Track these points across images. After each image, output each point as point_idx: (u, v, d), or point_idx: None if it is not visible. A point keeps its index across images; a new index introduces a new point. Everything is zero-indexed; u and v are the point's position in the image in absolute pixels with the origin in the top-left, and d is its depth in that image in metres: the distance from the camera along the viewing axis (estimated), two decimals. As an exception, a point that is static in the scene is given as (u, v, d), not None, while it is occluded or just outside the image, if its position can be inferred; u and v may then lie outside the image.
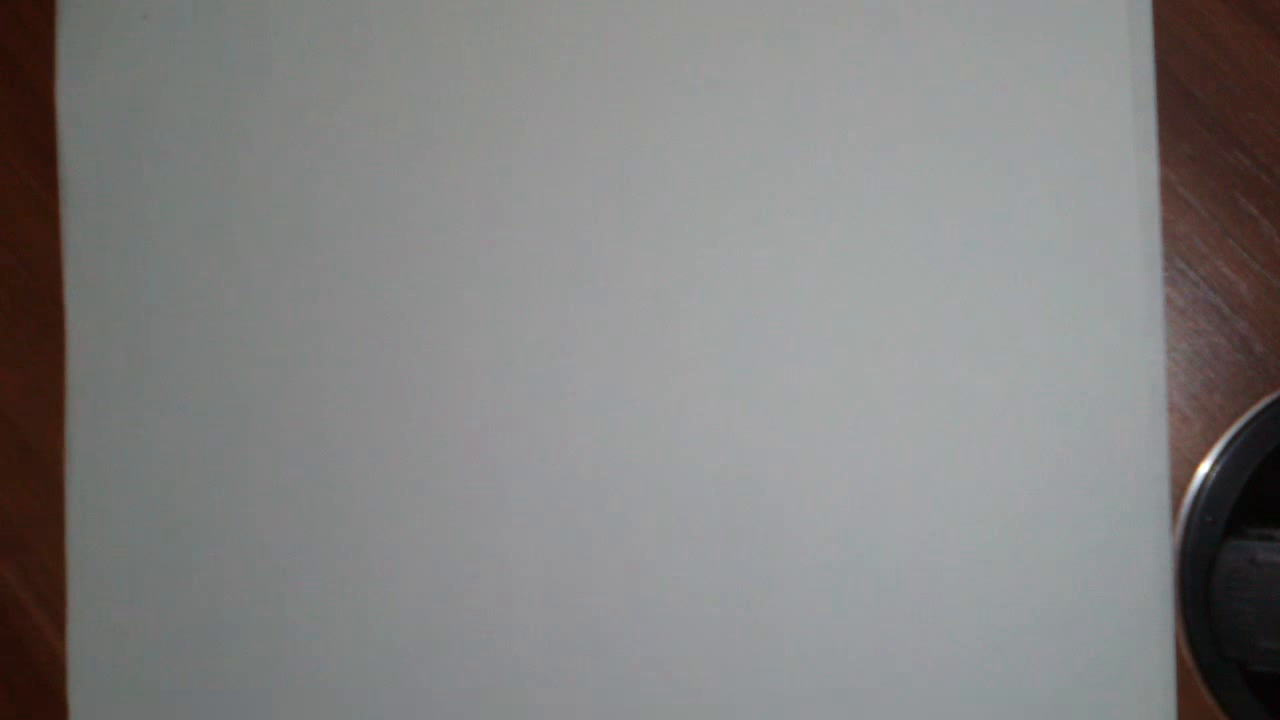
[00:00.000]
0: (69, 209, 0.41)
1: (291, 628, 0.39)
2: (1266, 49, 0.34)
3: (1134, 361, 0.33)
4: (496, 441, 0.37)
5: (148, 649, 0.40)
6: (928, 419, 0.35)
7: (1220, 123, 0.34)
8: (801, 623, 0.35)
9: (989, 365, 0.34)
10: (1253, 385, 0.34)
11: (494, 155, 0.38)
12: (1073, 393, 0.34)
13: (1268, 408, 0.33)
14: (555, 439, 0.37)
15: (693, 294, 0.36)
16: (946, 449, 0.35)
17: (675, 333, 0.36)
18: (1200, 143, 0.34)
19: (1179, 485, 0.34)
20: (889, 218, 0.35)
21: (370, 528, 0.38)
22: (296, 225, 0.39)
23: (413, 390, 0.38)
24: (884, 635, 0.35)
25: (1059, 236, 0.34)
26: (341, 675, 0.38)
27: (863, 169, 0.35)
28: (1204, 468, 0.33)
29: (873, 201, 0.35)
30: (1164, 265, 0.33)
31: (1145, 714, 0.33)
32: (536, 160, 0.37)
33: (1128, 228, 0.33)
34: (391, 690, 0.38)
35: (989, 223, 0.34)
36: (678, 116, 0.37)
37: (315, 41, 0.39)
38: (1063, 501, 0.34)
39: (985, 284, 0.34)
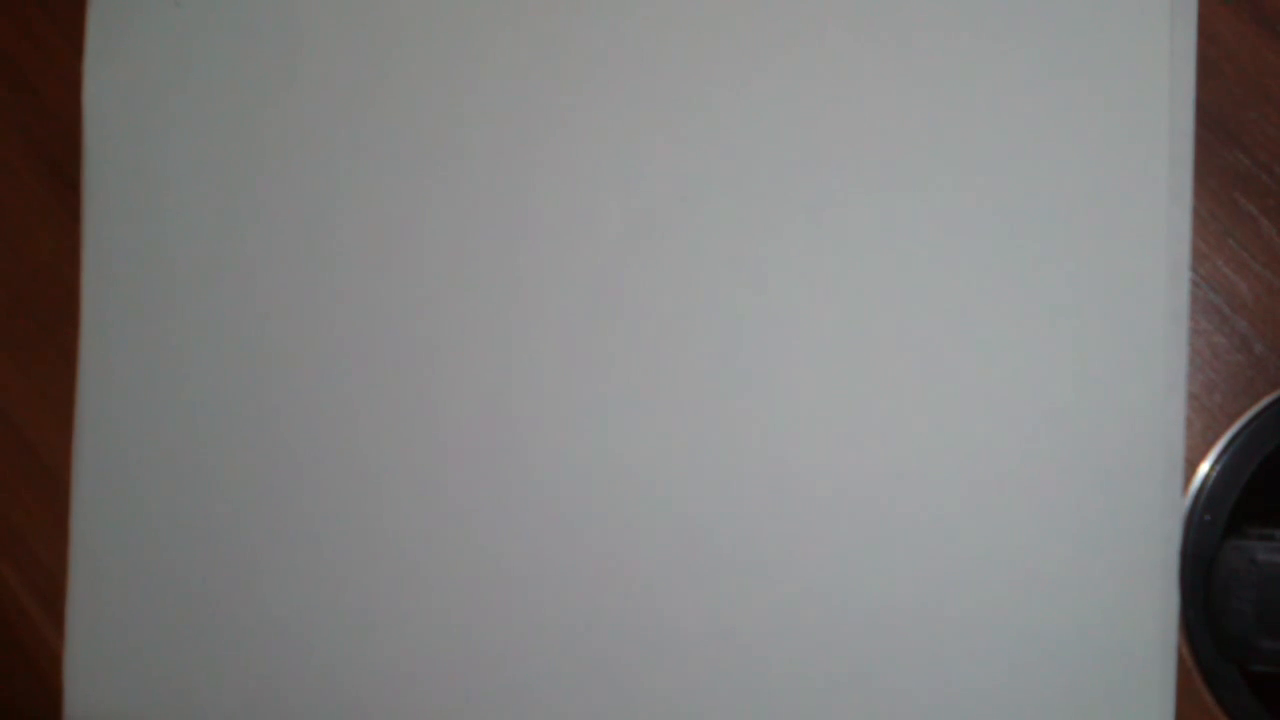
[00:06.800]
0: (90, 208, 0.41)
1: (292, 630, 0.39)
2: (1266, 49, 0.34)
3: (1151, 364, 0.33)
4: (504, 450, 0.37)
5: (147, 650, 0.40)
6: (939, 421, 0.35)
7: (1220, 123, 0.34)
8: (808, 618, 0.35)
9: (1000, 369, 0.34)
10: (1253, 385, 0.34)
11: (514, 165, 0.38)
12: (1084, 395, 0.34)
13: (1268, 408, 0.33)
14: (562, 448, 0.37)
15: (711, 306, 0.36)
16: (955, 450, 0.35)
17: (692, 346, 0.36)
18: (1200, 143, 0.34)
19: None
20: (909, 221, 0.35)
21: (374, 534, 0.38)
22: (314, 230, 0.39)
23: (422, 399, 0.38)
24: (887, 632, 0.35)
25: (1078, 243, 0.34)
26: (341, 677, 0.38)
27: (882, 171, 0.35)
28: (1204, 468, 0.33)
29: (893, 203, 0.35)
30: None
31: (1145, 714, 0.33)
32: (556, 170, 0.37)
33: (1152, 236, 0.33)
34: (389, 692, 0.38)
35: (1004, 228, 0.34)
36: (700, 128, 0.36)
37: (344, 43, 0.39)
38: (1066, 503, 0.34)
39: (998, 289, 0.34)
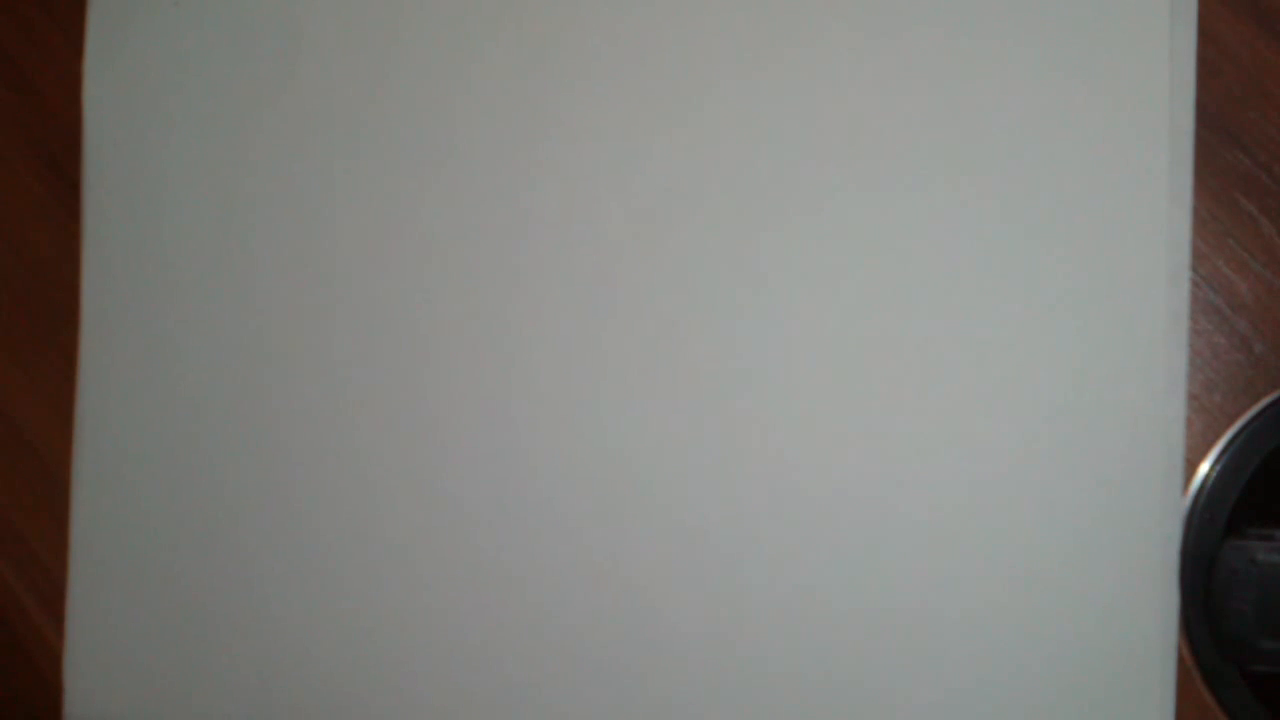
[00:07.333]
0: (90, 206, 0.41)
1: (292, 631, 0.39)
2: (1266, 49, 0.34)
3: (1151, 364, 0.33)
4: (503, 450, 0.37)
5: (147, 650, 0.40)
6: (939, 421, 0.35)
7: (1220, 123, 0.34)
8: (808, 618, 0.35)
9: (1000, 369, 0.34)
10: (1253, 385, 0.34)
11: (513, 164, 0.38)
12: (1084, 395, 0.34)
13: (1268, 408, 0.33)
14: (561, 448, 0.37)
15: (710, 305, 0.36)
16: (955, 450, 0.35)
17: (691, 345, 0.36)
18: (1200, 143, 0.34)
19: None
20: (910, 220, 0.35)
21: (373, 534, 0.38)
22: (313, 230, 0.39)
23: (421, 399, 0.38)
24: (887, 632, 0.35)
25: (1078, 243, 0.34)
26: (341, 677, 0.38)
27: (882, 171, 0.35)
28: (1204, 468, 0.33)
29: (893, 203, 0.35)
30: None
31: (1145, 714, 0.33)
32: (555, 170, 0.37)
33: (1152, 236, 0.33)
34: (389, 692, 0.38)
35: (1004, 227, 0.34)
36: (700, 127, 0.36)
37: (344, 43, 0.39)
38: (1066, 503, 0.34)
39: (997, 289, 0.34)
